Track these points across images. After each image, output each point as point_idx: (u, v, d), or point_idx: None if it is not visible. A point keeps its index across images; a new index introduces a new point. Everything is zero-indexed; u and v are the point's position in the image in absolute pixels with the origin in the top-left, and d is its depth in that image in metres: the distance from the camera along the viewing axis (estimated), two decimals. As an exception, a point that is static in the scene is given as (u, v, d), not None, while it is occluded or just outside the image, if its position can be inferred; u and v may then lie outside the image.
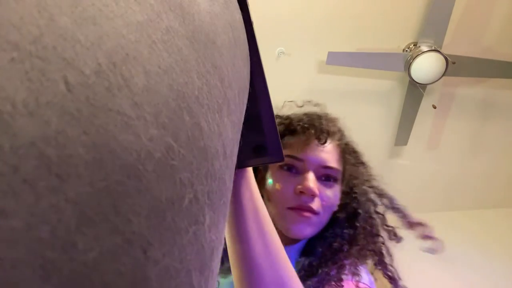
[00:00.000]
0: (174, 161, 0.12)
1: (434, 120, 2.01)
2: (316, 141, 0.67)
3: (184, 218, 0.12)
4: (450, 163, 2.17)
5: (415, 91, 1.80)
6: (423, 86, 1.76)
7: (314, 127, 0.69)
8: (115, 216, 0.10)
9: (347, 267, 0.61)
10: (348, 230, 0.67)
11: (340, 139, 0.71)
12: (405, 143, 2.02)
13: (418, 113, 1.89)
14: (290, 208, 0.63)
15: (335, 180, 0.67)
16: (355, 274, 0.60)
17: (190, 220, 0.13)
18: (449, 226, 2.17)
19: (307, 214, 0.63)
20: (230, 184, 0.18)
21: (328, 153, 0.67)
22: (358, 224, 0.67)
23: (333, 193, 0.67)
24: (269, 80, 0.33)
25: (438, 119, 2.01)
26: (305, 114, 0.72)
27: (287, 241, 0.66)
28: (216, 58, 0.17)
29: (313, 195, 0.63)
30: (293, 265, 0.54)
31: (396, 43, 1.73)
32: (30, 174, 0.08)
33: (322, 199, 0.64)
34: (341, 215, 0.69)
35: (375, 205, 0.71)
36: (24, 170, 0.08)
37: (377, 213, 0.70)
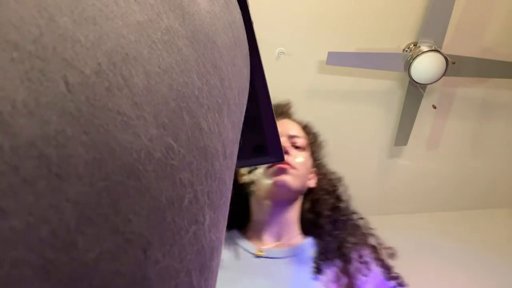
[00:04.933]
0: (174, 161, 0.12)
1: (434, 120, 2.01)
2: (280, 118, 0.91)
3: (184, 218, 0.12)
4: (450, 163, 2.16)
5: (415, 91, 1.80)
6: (423, 86, 1.76)
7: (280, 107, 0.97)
8: (115, 216, 0.10)
9: (354, 256, 0.77)
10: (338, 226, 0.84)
11: (300, 122, 0.97)
12: (405, 143, 2.02)
13: (418, 113, 1.89)
14: (269, 166, 0.83)
15: (303, 148, 0.89)
16: (363, 262, 0.76)
17: (190, 220, 0.13)
18: (448, 226, 2.17)
19: (284, 165, 0.81)
20: (230, 184, 0.18)
21: (292, 124, 0.92)
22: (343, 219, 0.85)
23: (303, 157, 0.86)
24: (269, 80, 0.33)
25: (438, 119, 2.01)
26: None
27: (298, 238, 0.83)
28: (216, 58, 0.17)
29: (286, 152, 0.80)
30: (310, 259, 0.77)
31: (396, 43, 1.72)
32: (30, 174, 0.08)
33: (295, 157, 0.85)
34: (331, 217, 0.86)
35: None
36: (24, 170, 0.08)
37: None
